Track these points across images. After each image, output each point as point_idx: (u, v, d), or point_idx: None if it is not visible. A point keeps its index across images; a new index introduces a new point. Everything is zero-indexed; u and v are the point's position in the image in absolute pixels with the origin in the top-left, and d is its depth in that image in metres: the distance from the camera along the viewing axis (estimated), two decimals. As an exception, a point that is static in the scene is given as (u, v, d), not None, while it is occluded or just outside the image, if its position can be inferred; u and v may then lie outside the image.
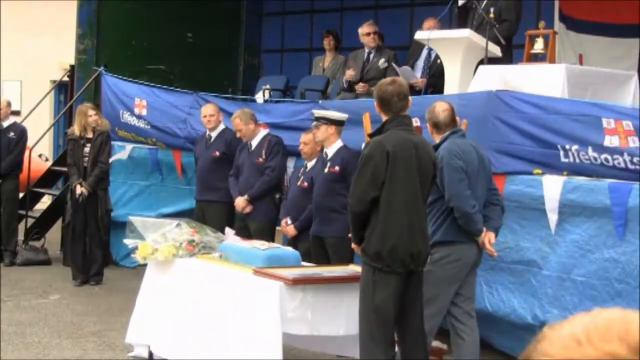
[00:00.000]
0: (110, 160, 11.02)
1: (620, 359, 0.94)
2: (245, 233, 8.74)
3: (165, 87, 11.58)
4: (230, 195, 9.56)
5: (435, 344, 7.16)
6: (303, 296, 6.21)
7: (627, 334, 0.97)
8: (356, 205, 5.90)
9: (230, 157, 9.73)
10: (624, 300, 6.60)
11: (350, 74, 10.31)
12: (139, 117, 11.40)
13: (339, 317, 6.36)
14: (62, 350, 7.67)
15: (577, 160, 6.98)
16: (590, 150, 6.90)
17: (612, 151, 6.77)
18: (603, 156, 6.83)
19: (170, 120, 11.11)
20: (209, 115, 10.01)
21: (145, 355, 7.40)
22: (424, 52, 9.96)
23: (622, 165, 6.74)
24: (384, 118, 6.00)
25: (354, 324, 6.20)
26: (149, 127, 11.31)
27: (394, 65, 9.98)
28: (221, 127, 10.06)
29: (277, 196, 9.24)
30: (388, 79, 6.33)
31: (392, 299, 5.86)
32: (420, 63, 10.08)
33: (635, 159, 6.68)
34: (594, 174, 6.93)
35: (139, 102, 11.41)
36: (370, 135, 6.21)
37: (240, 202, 9.23)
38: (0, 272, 10.79)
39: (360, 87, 10.20)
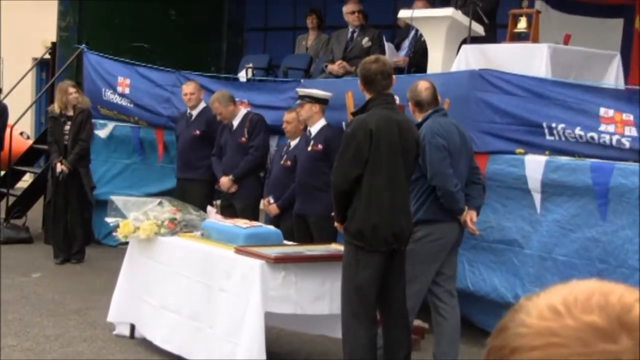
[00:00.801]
0: (97, 135, 11.00)
1: (600, 328, 0.94)
2: (230, 212, 8.74)
3: (147, 65, 11.50)
4: (210, 174, 9.54)
5: (417, 322, 7.17)
6: (285, 274, 6.19)
7: (607, 304, 0.96)
8: (339, 183, 5.89)
9: (211, 135, 9.71)
10: (605, 279, 6.62)
11: (334, 68, 10.14)
12: (122, 95, 11.35)
13: (323, 296, 6.35)
14: (43, 329, 7.65)
15: (562, 139, 7.00)
16: (577, 129, 6.91)
17: (604, 132, 6.79)
18: (590, 134, 6.85)
19: (153, 99, 11.06)
20: (189, 94, 9.98)
21: (127, 333, 7.40)
22: (412, 32, 9.92)
23: (609, 142, 6.75)
24: (368, 96, 5.99)
25: (338, 303, 6.20)
26: (131, 105, 11.27)
27: (384, 40, 9.92)
28: (202, 105, 10.03)
29: (262, 175, 9.23)
30: (372, 57, 6.30)
31: (375, 277, 5.87)
32: (407, 42, 10.04)
33: (624, 139, 6.69)
34: (577, 153, 6.94)
35: (122, 80, 11.35)
36: (354, 114, 6.20)
37: (225, 182, 9.21)
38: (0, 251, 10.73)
39: (333, 67, 10.06)
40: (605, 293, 0.98)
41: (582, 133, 6.89)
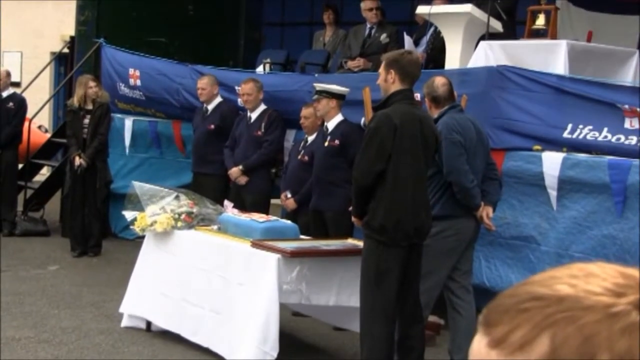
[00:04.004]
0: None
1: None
2: (239, 206, 8.74)
3: (157, 58, 11.46)
4: (225, 169, 9.54)
5: (432, 318, 7.16)
6: (300, 269, 6.20)
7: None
8: (362, 178, 5.85)
9: (226, 130, 9.71)
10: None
11: (354, 64, 10.15)
12: (134, 87, 11.35)
13: (330, 287, 6.36)
14: (60, 321, 7.69)
15: (581, 136, 6.98)
16: (597, 126, 6.89)
17: (626, 132, 6.78)
18: (610, 132, 6.83)
19: (164, 90, 11.02)
20: (201, 88, 10.01)
21: (142, 326, 7.42)
22: (431, 29, 9.89)
23: (630, 143, 6.74)
24: (398, 88, 5.88)
25: (345, 295, 6.23)
26: (144, 98, 11.26)
27: (405, 34, 9.89)
28: (217, 99, 10.04)
29: (273, 171, 9.23)
30: (401, 50, 6.26)
31: (395, 272, 5.84)
32: (425, 39, 10.02)
33: (633, 137, 6.68)
34: (595, 151, 6.93)
35: (132, 72, 11.34)
36: (375, 109, 6.17)
37: (235, 171, 9.23)
38: (0, 242, 10.79)
39: (353, 64, 10.07)
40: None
41: (601, 131, 6.87)
